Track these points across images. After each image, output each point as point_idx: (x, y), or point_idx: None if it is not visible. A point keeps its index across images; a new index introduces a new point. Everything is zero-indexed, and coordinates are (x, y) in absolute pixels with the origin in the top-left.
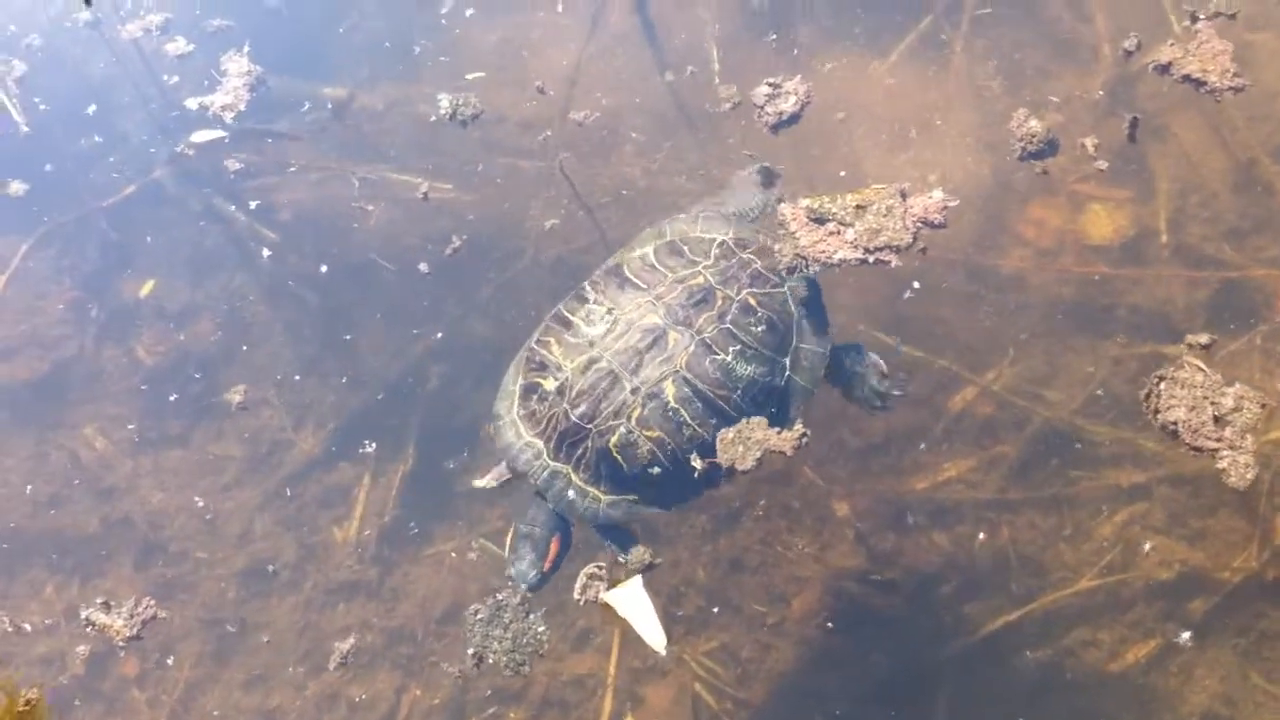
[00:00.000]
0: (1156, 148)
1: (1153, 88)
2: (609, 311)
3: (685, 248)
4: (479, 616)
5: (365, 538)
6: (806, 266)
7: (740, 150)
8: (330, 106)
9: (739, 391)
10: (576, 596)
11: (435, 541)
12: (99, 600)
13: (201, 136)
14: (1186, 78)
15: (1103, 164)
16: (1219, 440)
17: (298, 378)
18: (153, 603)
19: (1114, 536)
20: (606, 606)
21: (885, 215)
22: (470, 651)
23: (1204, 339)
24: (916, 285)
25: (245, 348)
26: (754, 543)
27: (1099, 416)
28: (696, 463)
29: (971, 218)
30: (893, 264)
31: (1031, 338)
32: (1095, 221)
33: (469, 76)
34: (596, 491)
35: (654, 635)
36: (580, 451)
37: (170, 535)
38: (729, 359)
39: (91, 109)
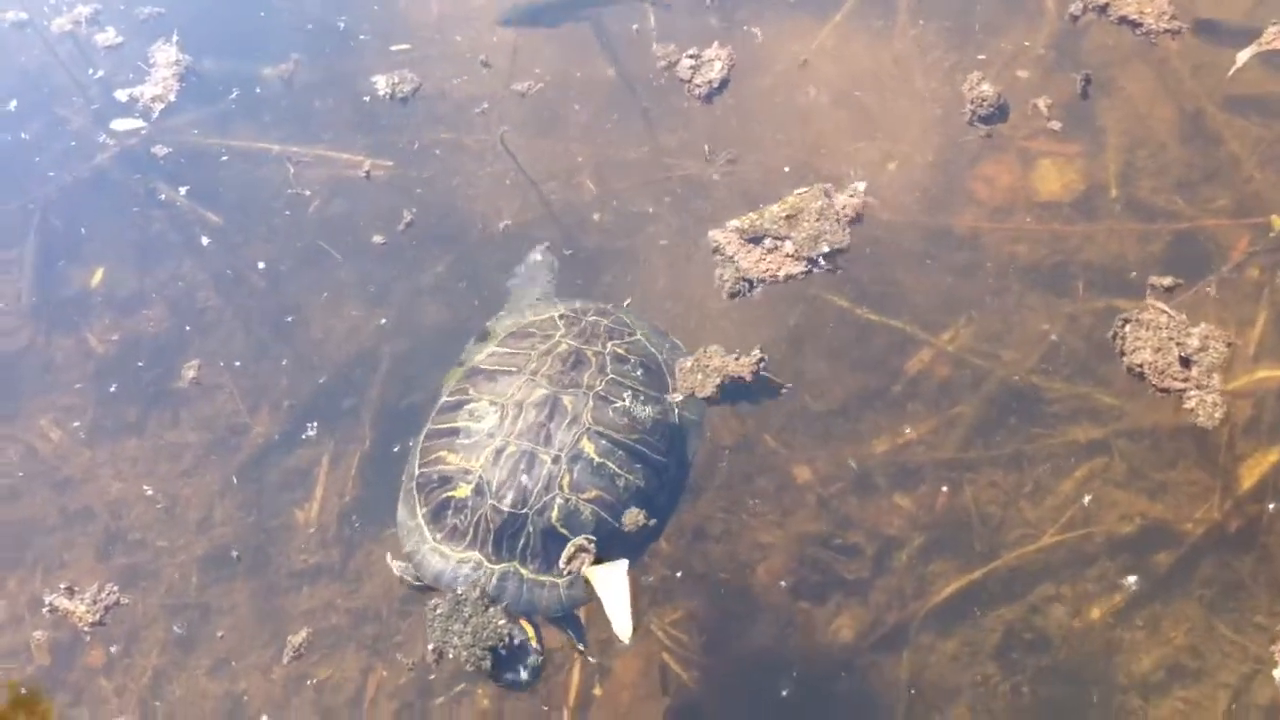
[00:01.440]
0: (1104, 102)
1: (1098, 40)
2: (492, 403)
3: (531, 329)
4: (438, 611)
5: (326, 519)
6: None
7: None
8: (266, 88)
9: (649, 433)
10: (562, 565)
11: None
12: (62, 586)
13: (123, 125)
14: (1123, 19)
15: (1056, 124)
16: (1186, 380)
17: (251, 362)
18: (115, 588)
19: (1074, 492)
20: (588, 581)
21: (819, 219)
22: (430, 647)
23: (1167, 281)
24: (869, 251)
25: (197, 333)
26: (717, 511)
27: (1055, 373)
28: (630, 520)
29: (922, 179)
30: (839, 272)
31: (986, 297)
32: (1045, 178)
33: (394, 48)
34: (551, 577)
35: (621, 622)
36: (523, 541)
37: (130, 524)
38: (628, 404)
39: (13, 104)
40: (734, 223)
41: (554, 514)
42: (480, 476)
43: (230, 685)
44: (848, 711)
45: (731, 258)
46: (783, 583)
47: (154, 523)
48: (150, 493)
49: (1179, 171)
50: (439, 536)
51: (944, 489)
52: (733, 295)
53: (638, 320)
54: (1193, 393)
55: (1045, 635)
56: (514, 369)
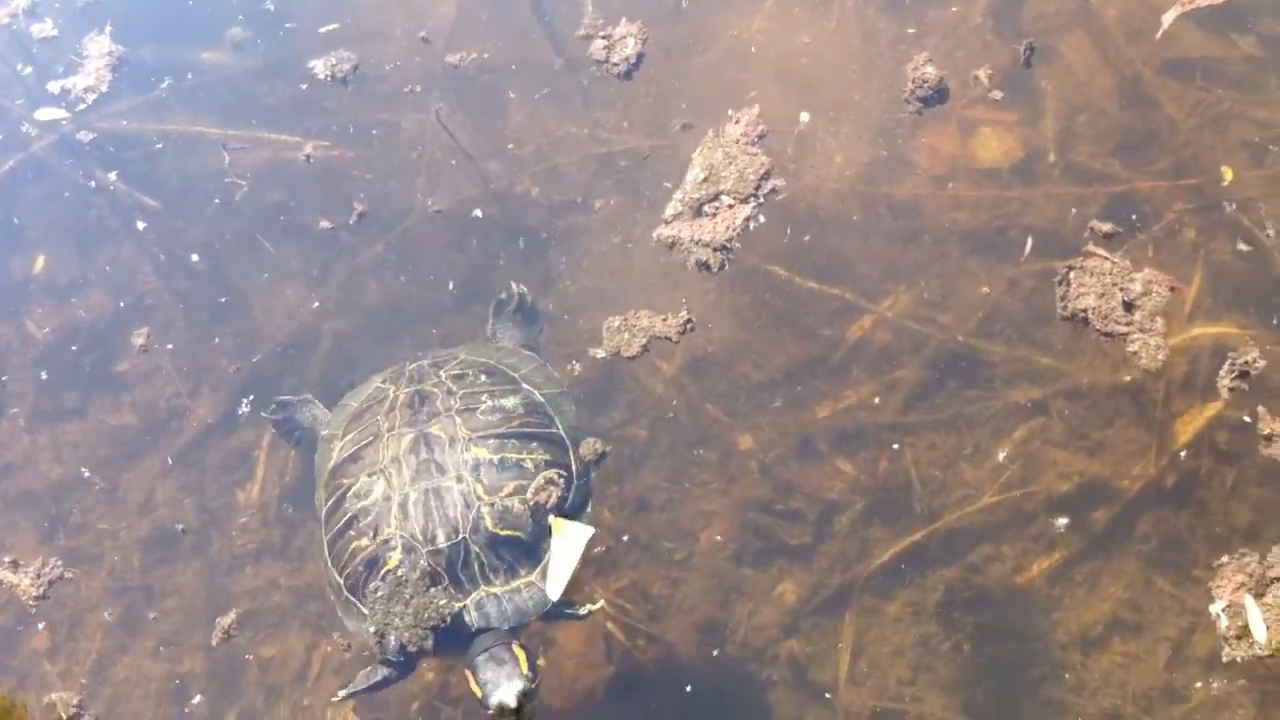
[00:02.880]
0: (1043, 69)
1: (1037, 8)
2: (370, 475)
3: (362, 407)
4: (379, 594)
5: (268, 499)
6: None
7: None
8: (204, 74)
9: (527, 415)
10: (529, 495)
11: None
12: (6, 560)
13: (47, 115)
14: None
15: (997, 94)
16: (1129, 324)
17: (191, 345)
18: (59, 563)
19: (1013, 453)
20: (552, 529)
21: (730, 163)
22: (372, 629)
23: (1106, 227)
24: (820, 224)
25: (137, 318)
26: (660, 481)
27: (994, 336)
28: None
29: (864, 148)
30: (781, 195)
31: (926, 263)
32: (985, 145)
33: (323, 30)
34: (522, 580)
35: (558, 581)
36: (475, 565)
37: (71, 507)
38: (491, 403)
39: None
40: (669, 212)
41: (487, 523)
42: (400, 537)
43: (174, 666)
44: (793, 675)
45: (695, 241)
46: (726, 549)
47: (95, 506)
48: (91, 476)
49: (1117, 136)
50: (394, 609)
51: (885, 453)
52: (703, 268)
53: (456, 349)
54: (1136, 336)
55: (986, 594)
56: (370, 439)
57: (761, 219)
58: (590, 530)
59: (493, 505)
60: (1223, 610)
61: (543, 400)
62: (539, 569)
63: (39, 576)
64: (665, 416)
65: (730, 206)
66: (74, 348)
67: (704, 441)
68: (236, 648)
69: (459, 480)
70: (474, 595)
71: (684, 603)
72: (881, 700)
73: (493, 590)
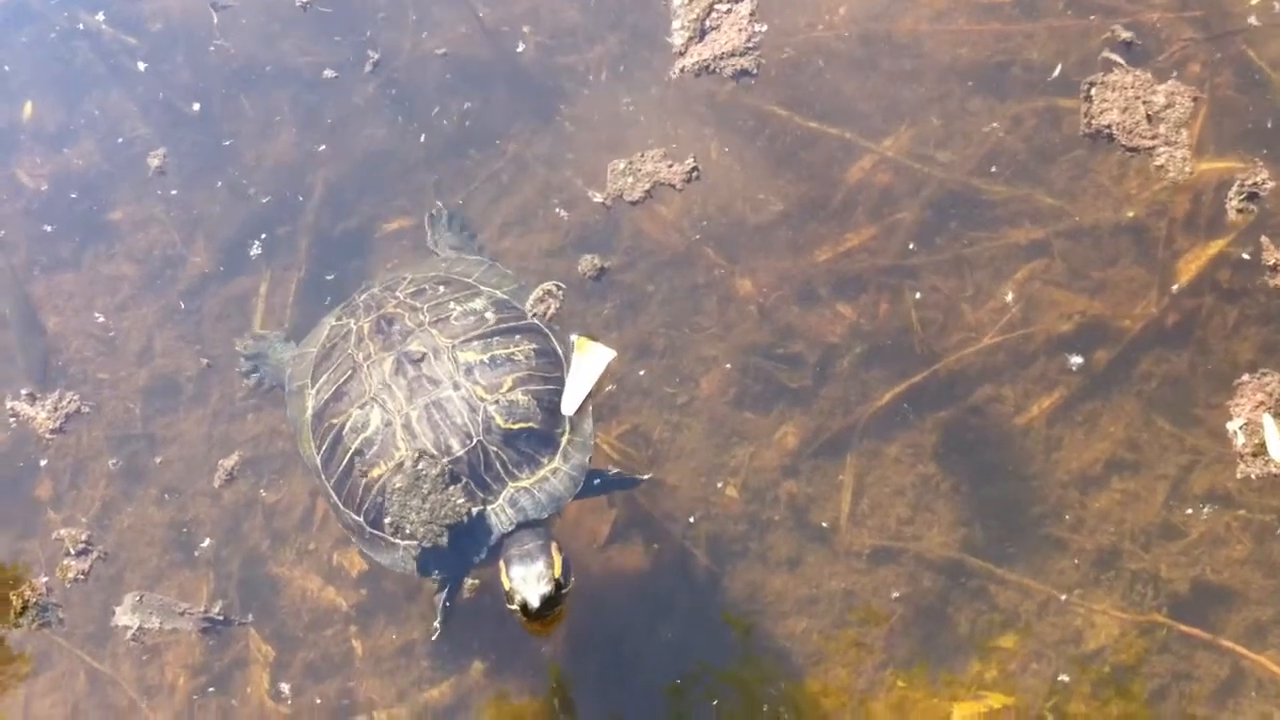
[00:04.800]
0: None
1: None
2: (361, 407)
3: (325, 347)
4: (397, 485)
5: None
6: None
7: None
8: None
9: (499, 314)
10: (528, 307)
11: None
12: (24, 392)
13: None
14: None
15: None
16: (1154, 138)
17: (182, 191)
18: (76, 397)
19: (1015, 293)
20: (576, 348)
21: None
22: (387, 520)
23: (1127, 35)
24: (820, 63)
25: (128, 165)
26: (659, 327)
27: (996, 175)
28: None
29: None
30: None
31: (928, 102)
32: None
33: None
34: (546, 469)
35: (574, 397)
36: (498, 463)
37: (69, 358)
38: (461, 309)
39: None
40: (677, 41)
41: (498, 421)
42: (407, 456)
43: (178, 513)
44: (792, 514)
45: (714, 58)
46: (727, 394)
47: (94, 356)
48: (89, 326)
49: None
50: (423, 517)
51: (885, 295)
52: (743, 75)
53: (401, 270)
54: (1161, 150)
55: (985, 435)
56: (348, 374)
57: (762, 29)
58: (612, 353)
59: (498, 402)
60: (1240, 428)
61: (505, 297)
62: (559, 454)
63: (55, 410)
64: (664, 261)
65: (728, 11)
66: (66, 196)
67: (703, 286)
68: (240, 494)
69: (456, 387)
70: (504, 493)
71: (685, 446)
72: (881, 539)
73: (521, 484)
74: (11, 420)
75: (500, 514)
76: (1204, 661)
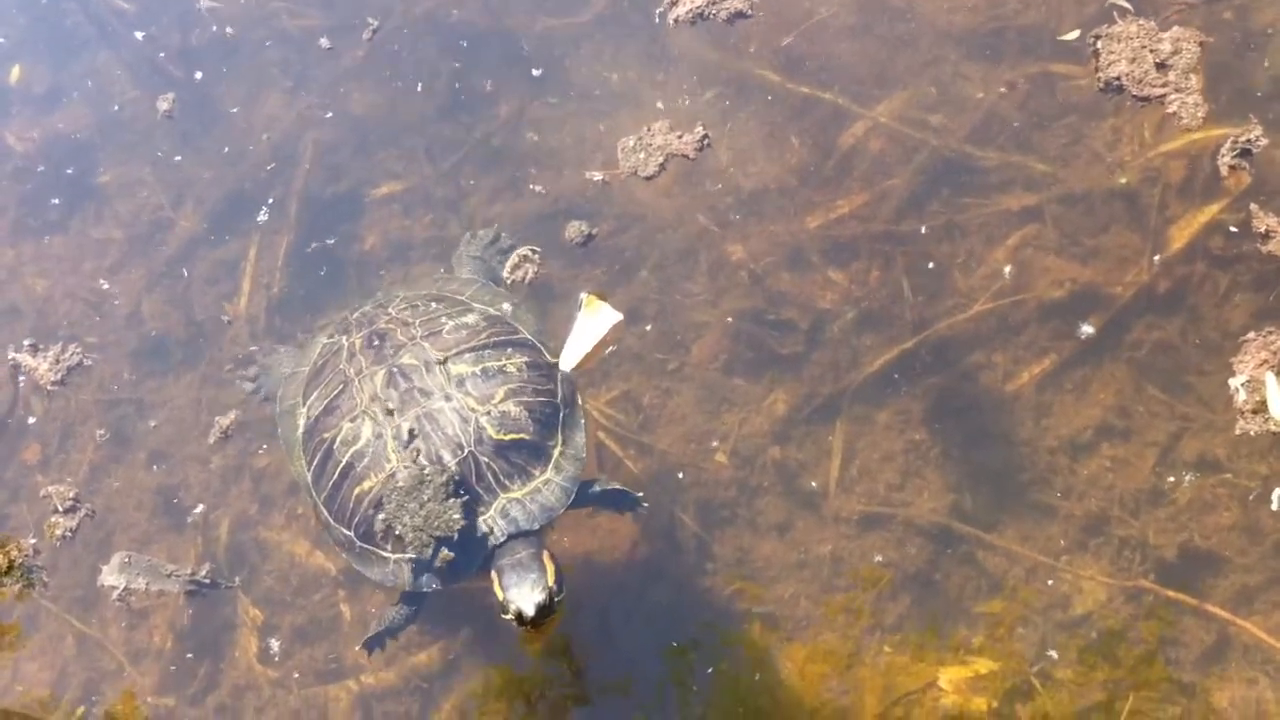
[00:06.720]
0: None
1: None
2: (353, 420)
3: (317, 364)
4: (399, 484)
5: (255, 311)
6: None
7: None
8: None
9: (491, 327)
10: (506, 275)
11: (326, 311)
12: (26, 343)
13: None
14: None
15: None
16: (1165, 85)
17: (171, 155)
18: (79, 349)
19: (1007, 260)
20: (582, 305)
21: None
22: (381, 517)
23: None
24: (800, 24)
25: (116, 127)
26: (650, 293)
27: (989, 142)
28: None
29: None
30: None
31: (921, 68)
32: None
33: None
34: (538, 480)
35: (573, 354)
36: (489, 474)
37: (58, 321)
38: (452, 324)
39: None
40: None
41: (490, 431)
42: (398, 467)
43: (167, 477)
44: (782, 480)
45: (708, 3)
46: (718, 360)
47: (82, 320)
48: (78, 290)
49: None
50: (415, 523)
51: (877, 262)
52: (739, 17)
53: (394, 289)
54: (1173, 97)
55: (976, 401)
56: (339, 389)
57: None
58: (618, 315)
59: (489, 414)
60: (1242, 385)
61: (498, 314)
62: (551, 466)
63: (58, 362)
64: (655, 227)
65: None
66: (54, 159)
67: (694, 252)
68: (229, 458)
69: (448, 399)
70: (496, 504)
71: (675, 412)
72: (870, 505)
73: (513, 495)
74: (13, 371)
75: (492, 525)
76: (1190, 627)
